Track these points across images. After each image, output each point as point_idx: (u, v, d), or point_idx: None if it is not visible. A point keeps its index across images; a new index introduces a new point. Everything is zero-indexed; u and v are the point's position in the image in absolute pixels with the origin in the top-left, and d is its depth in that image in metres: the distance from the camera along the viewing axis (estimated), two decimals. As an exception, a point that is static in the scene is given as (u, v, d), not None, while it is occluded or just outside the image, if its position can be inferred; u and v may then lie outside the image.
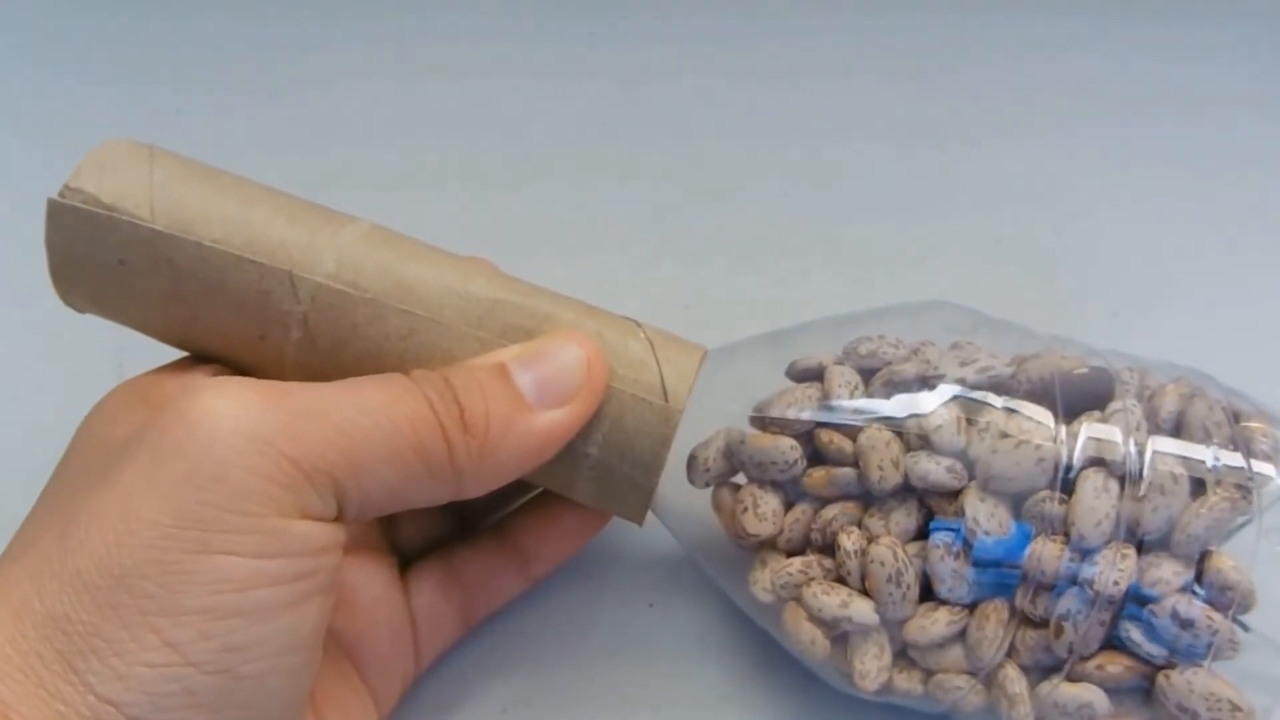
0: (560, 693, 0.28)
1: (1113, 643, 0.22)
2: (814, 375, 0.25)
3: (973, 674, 0.23)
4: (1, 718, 0.17)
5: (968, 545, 0.22)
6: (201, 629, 0.18)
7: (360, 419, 0.20)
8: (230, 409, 0.19)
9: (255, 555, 0.18)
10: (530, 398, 0.22)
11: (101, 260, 0.23)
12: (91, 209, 0.22)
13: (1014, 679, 0.22)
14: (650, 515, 0.25)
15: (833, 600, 0.23)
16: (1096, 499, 0.21)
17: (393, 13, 0.47)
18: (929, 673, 0.23)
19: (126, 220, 0.22)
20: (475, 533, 0.28)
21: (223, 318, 0.23)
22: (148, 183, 0.23)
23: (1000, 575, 0.22)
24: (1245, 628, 0.21)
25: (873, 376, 0.24)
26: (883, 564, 0.22)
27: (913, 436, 0.23)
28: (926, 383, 0.23)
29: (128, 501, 0.18)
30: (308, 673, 0.20)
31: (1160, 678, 0.21)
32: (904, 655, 0.24)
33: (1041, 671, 0.22)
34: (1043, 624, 0.22)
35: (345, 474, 0.19)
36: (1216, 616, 0.20)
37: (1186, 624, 0.21)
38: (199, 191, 0.23)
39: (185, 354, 0.25)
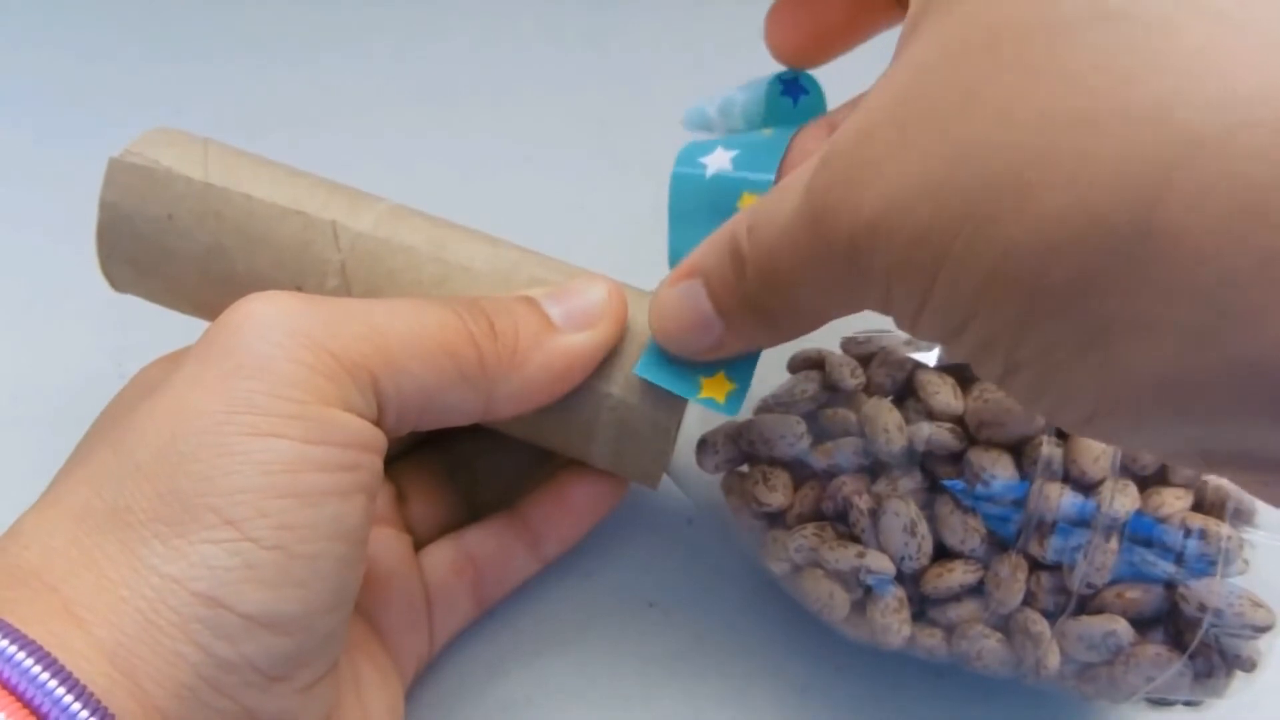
0: (560, 693, 0.27)
1: (1125, 576, 0.22)
2: (814, 364, 0.25)
3: (992, 623, 0.23)
4: (65, 614, 0.17)
5: (973, 493, 0.22)
6: (257, 506, 0.18)
7: (393, 320, 0.20)
8: (273, 310, 0.19)
9: (302, 440, 0.18)
10: (558, 323, 0.22)
11: (151, 215, 0.23)
12: (150, 166, 0.23)
13: (1035, 619, 0.22)
14: (653, 511, 0.25)
15: (849, 552, 0.23)
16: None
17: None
18: (949, 627, 0.23)
19: (181, 175, 0.23)
20: (486, 515, 0.27)
21: (261, 270, 0.23)
22: (202, 152, 0.24)
23: (1010, 523, 0.22)
24: (1250, 542, 0.21)
25: (870, 361, 0.25)
26: (897, 514, 0.23)
27: (912, 412, 0.24)
28: (921, 363, 0.24)
29: (181, 398, 0.18)
30: (353, 570, 0.20)
31: (1180, 588, 0.21)
32: (923, 615, 0.24)
33: (1058, 615, 0.22)
34: (1053, 568, 0.22)
35: (382, 370, 0.20)
36: (1223, 524, 0.21)
37: (1194, 533, 0.21)
38: (249, 163, 0.24)
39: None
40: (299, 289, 0.23)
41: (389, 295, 0.23)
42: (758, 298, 0.19)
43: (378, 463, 0.20)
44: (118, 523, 0.18)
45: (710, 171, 0.23)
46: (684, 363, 0.23)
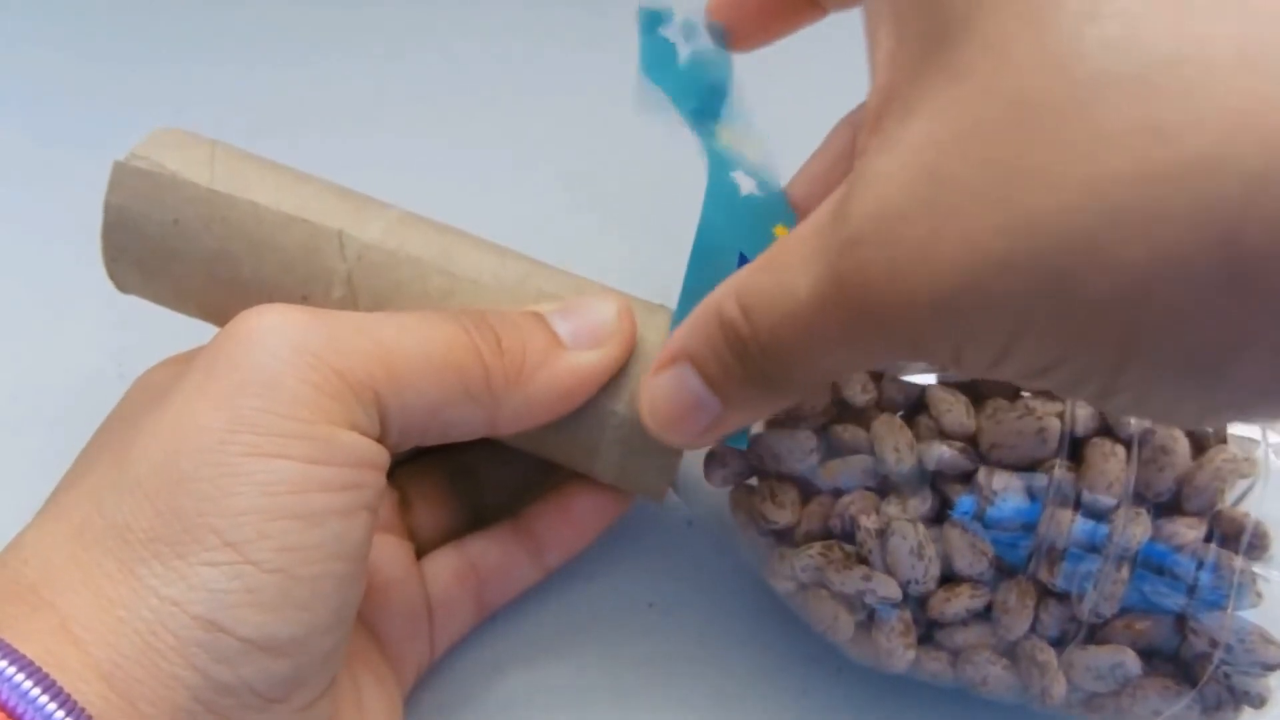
0: (560, 693, 0.26)
1: (1135, 605, 0.21)
2: None
3: (998, 649, 0.22)
4: (62, 631, 0.16)
5: (981, 516, 0.22)
6: (259, 529, 0.17)
7: (399, 336, 0.20)
8: (279, 324, 0.19)
9: (306, 460, 0.18)
10: (566, 341, 0.22)
11: (157, 219, 0.23)
12: (155, 170, 0.23)
13: (1042, 648, 0.22)
14: (654, 512, 0.25)
15: (854, 575, 0.22)
16: (1106, 462, 0.21)
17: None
18: (955, 651, 0.23)
19: (188, 181, 0.23)
20: (490, 522, 0.27)
21: (268, 276, 0.23)
22: (209, 156, 0.23)
23: (1018, 548, 0.22)
24: (1264, 576, 0.21)
25: (883, 376, 0.24)
26: (904, 537, 0.22)
27: (924, 428, 0.23)
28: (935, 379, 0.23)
29: (184, 413, 0.18)
30: (355, 588, 0.19)
31: (1190, 621, 0.21)
32: (930, 638, 0.23)
33: (1066, 643, 0.22)
34: (1062, 595, 0.22)
35: (387, 388, 0.19)
36: (1235, 558, 0.21)
37: (1207, 566, 0.21)
38: (255, 167, 0.24)
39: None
40: (305, 297, 0.23)
41: (395, 307, 0.23)
42: (764, 373, 0.19)
43: (381, 479, 0.20)
44: (117, 541, 0.17)
45: (744, 190, 0.23)
46: None
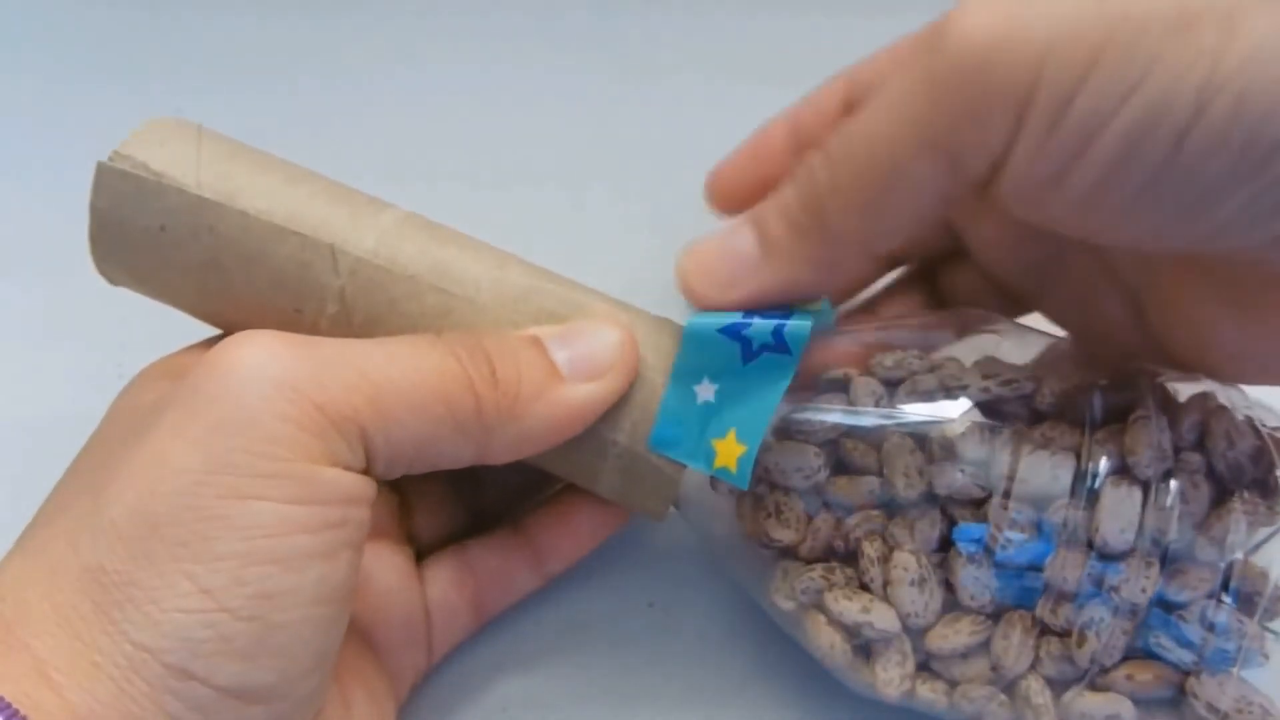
0: (560, 693, 0.26)
1: (1137, 652, 0.21)
2: (839, 387, 0.24)
3: (996, 685, 0.22)
4: (37, 674, 0.16)
5: (990, 551, 0.21)
6: (235, 575, 0.17)
7: (387, 368, 0.19)
8: (258, 357, 0.18)
9: (285, 501, 0.17)
10: (564, 371, 0.21)
11: (144, 226, 0.22)
12: (139, 174, 0.21)
13: (1038, 690, 0.21)
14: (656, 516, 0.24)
15: (854, 605, 0.22)
16: (1120, 505, 0.20)
17: (391, 8, 0.46)
18: (952, 683, 0.22)
19: (173, 186, 0.21)
20: (490, 528, 0.26)
21: (259, 289, 0.22)
22: (195, 155, 0.22)
23: (1023, 583, 0.21)
24: (1275, 634, 0.20)
25: (897, 388, 0.23)
26: (906, 569, 0.21)
27: (936, 447, 0.22)
28: (950, 393, 0.22)
29: (160, 451, 0.17)
30: (337, 628, 0.19)
31: (1190, 680, 0.20)
32: (927, 666, 0.22)
33: (1064, 683, 0.21)
34: (1065, 634, 0.21)
35: (372, 422, 0.18)
36: (1245, 619, 0.20)
37: (1214, 627, 0.20)
38: (245, 167, 0.22)
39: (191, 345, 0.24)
40: (298, 312, 0.22)
41: (389, 324, 0.22)
42: (826, 209, 0.19)
43: (365, 513, 0.19)
44: (91, 582, 0.17)
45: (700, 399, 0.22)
46: (696, 429, 0.22)
